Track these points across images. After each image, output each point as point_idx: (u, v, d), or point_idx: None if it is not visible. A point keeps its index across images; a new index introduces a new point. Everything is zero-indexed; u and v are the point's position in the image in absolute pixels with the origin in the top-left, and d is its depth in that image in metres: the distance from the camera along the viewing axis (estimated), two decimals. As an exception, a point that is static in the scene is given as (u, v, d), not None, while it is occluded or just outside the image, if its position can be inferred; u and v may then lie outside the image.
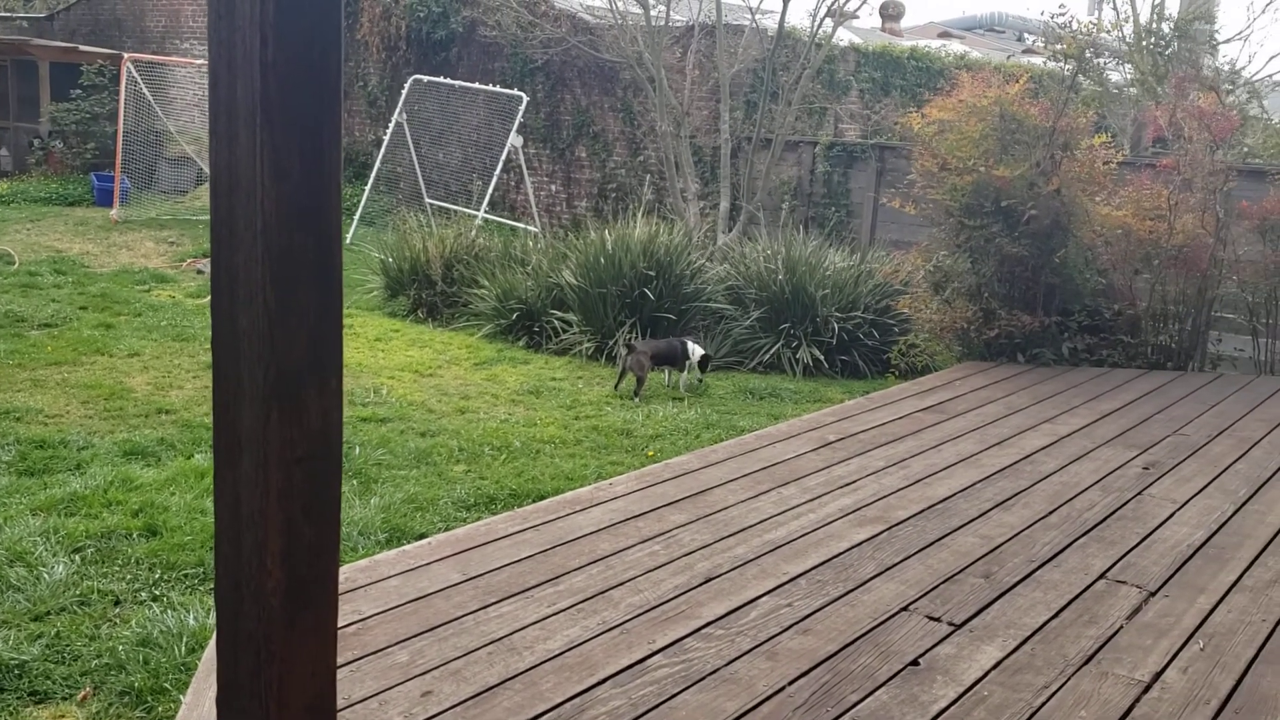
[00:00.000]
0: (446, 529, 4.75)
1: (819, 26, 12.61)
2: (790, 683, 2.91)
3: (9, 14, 22.11)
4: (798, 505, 4.28)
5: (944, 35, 23.96)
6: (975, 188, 8.06)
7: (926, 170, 8.36)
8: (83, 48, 18.15)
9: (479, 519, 5.43)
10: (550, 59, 14.60)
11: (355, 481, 5.73)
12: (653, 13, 12.41)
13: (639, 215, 10.23)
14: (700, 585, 3.49)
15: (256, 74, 1.16)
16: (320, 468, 1.32)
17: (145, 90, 15.30)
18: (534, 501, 5.57)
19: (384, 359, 8.93)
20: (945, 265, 8.29)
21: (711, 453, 4.94)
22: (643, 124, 14.16)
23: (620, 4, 12.59)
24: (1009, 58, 17.36)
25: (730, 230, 12.07)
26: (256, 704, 1.30)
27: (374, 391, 7.78)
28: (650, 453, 6.72)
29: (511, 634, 3.08)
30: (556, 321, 9.71)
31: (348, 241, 14.46)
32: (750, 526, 4.01)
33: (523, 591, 3.37)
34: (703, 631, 3.17)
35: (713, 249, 10.92)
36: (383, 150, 15.02)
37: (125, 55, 15.52)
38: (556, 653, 2.99)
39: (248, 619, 1.30)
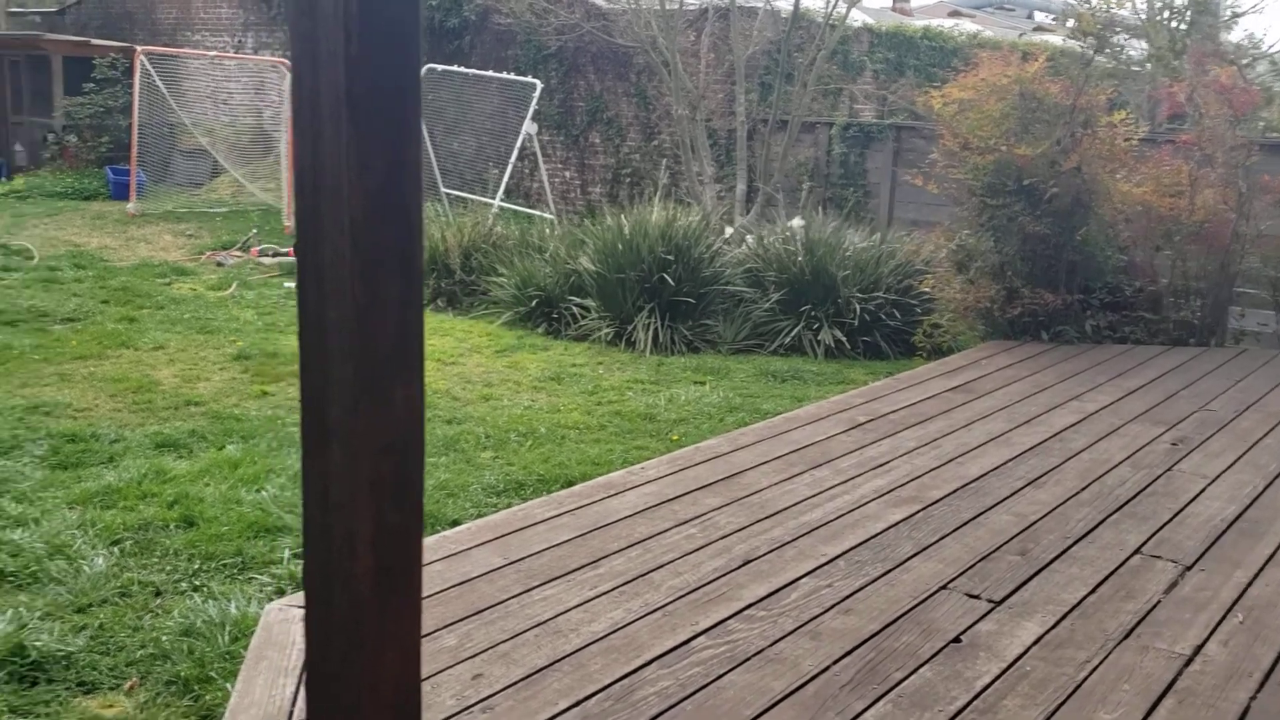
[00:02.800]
0: (479, 515, 4.79)
1: (833, 7, 12.56)
2: (835, 661, 2.93)
3: (20, 9, 22.15)
4: (832, 487, 4.30)
5: (954, 14, 23.83)
6: (997, 167, 8.04)
7: (948, 150, 8.35)
8: (94, 41, 18.18)
9: (509, 504, 5.47)
10: (564, 45, 14.58)
11: (385, 470, 5.76)
12: (666, -4, 12.38)
13: (656, 200, 10.23)
14: (739, 567, 3.52)
15: (341, 70, 1.18)
16: (406, 455, 1.35)
17: (159, 82, 15.34)
18: (563, 487, 5.61)
19: (405, 348, 8.96)
20: (969, 244, 8.28)
21: (741, 436, 4.97)
22: (657, 108, 14.14)
23: (633, -12, 12.56)
24: (1020, 36, 17.28)
25: (748, 212, 12.07)
26: (348, 689, 1.33)
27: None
28: (675, 437, 6.75)
29: (556, 617, 3.11)
30: (575, 308, 9.73)
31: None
32: (785, 509, 4.04)
33: (564, 575, 3.40)
34: (745, 613, 3.19)
35: (730, 232, 10.91)
36: (397, 139, 15.02)
37: (138, 48, 15.55)
38: (601, 635, 3.02)
39: (339, 605, 1.33)
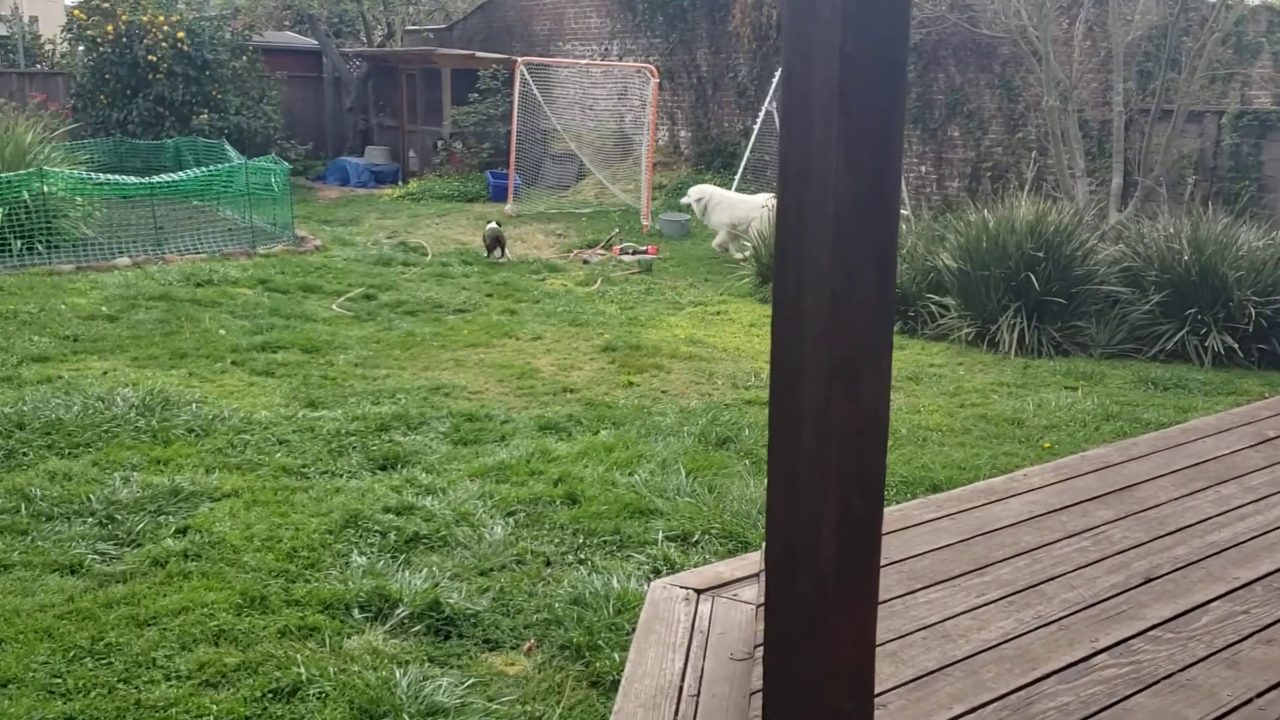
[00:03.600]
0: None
1: (1230, -17, 11.45)
2: (1259, 695, 2.68)
3: (416, 27, 24.52)
4: (1240, 506, 3.93)
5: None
6: None
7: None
8: (479, 54, 19.80)
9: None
10: (924, 38, 14.24)
11: (747, 462, 5.89)
12: (1038, -18, 11.78)
13: (1024, 194, 9.77)
14: (1139, 585, 3.29)
15: (835, 65, 1.21)
16: (871, 443, 1.37)
17: (535, 90, 16.46)
18: (928, 490, 5.49)
19: (759, 344, 9.11)
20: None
21: (1133, 446, 4.64)
22: (1023, 100, 13.51)
23: (1003, -24, 12.06)
24: None
25: (1124, 208, 11.26)
26: (806, 665, 1.37)
27: (754, 375, 7.96)
28: (1046, 444, 6.43)
29: (943, 621, 3.05)
30: (933, 305, 9.50)
31: (717, 229, 14.86)
32: (1188, 526, 3.74)
33: (948, 580, 3.33)
34: (1150, 634, 2.99)
35: (1104, 228, 10.23)
36: (751, 140, 15.29)
37: (518, 59, 16.76)
38: (993, 643, 2.93)
39: (800, 583, 1.37)
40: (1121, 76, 11.52)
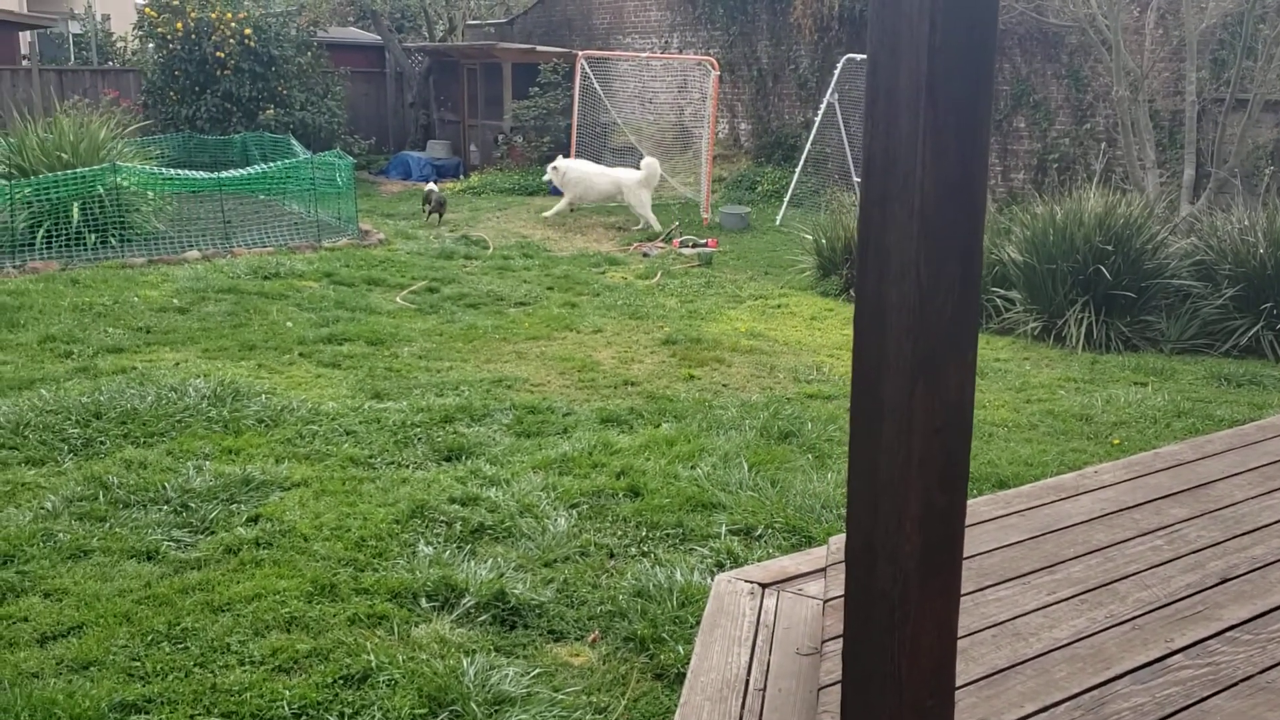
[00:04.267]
0: (911, 508, 4.74)
1: (1309, -32, 11.15)
2: (1343, 700, 2.62)
3: (478, 22, 24.68)
4: (1320, 505, 3.84)
5: None
6: None
7: None
8: (539, 48, 19.89)
9: (937, 500, 5.37)
10: (988, 28, 14.04)
11: (810, 456, 5.87)
12: (1108, -31, 11.56)
13: (1092, 186, 9.61)
14: (1215, 585, 3.23)
15: (923, 58, 1.21)
16: (954, 438, 1.36)
17: (595, 84, 16.49)
18: (995, 486, 5.43)
19: (820, 337, 9.06)
20: None
21: (1207, 443, 4.55)
22: (1091, 90, 13.27)
23: (1071, -37, 11.85)
24: None
25: (1196, 200, 11.02)
26: (886, 660, 1.36)
27: (816, 369, 7.92)
28: (1116, 440, 6.32)
29: (1014, 619, 3.02)
30: (998, 299, 9.38)
31: (777, 223, 14.80)
32: (1266, 526, 3.65)
33: (1018, 577, 3.29)
34: (1227, 635, 2.93)
35: (1176, 221, 10.03)
36: (813, 132, 15.20)
37: (579, 53, 16.80)
38: (1064, 642, 2.89)
39: (881, 578, 1.36)
40: (1195, 65, 11.27)
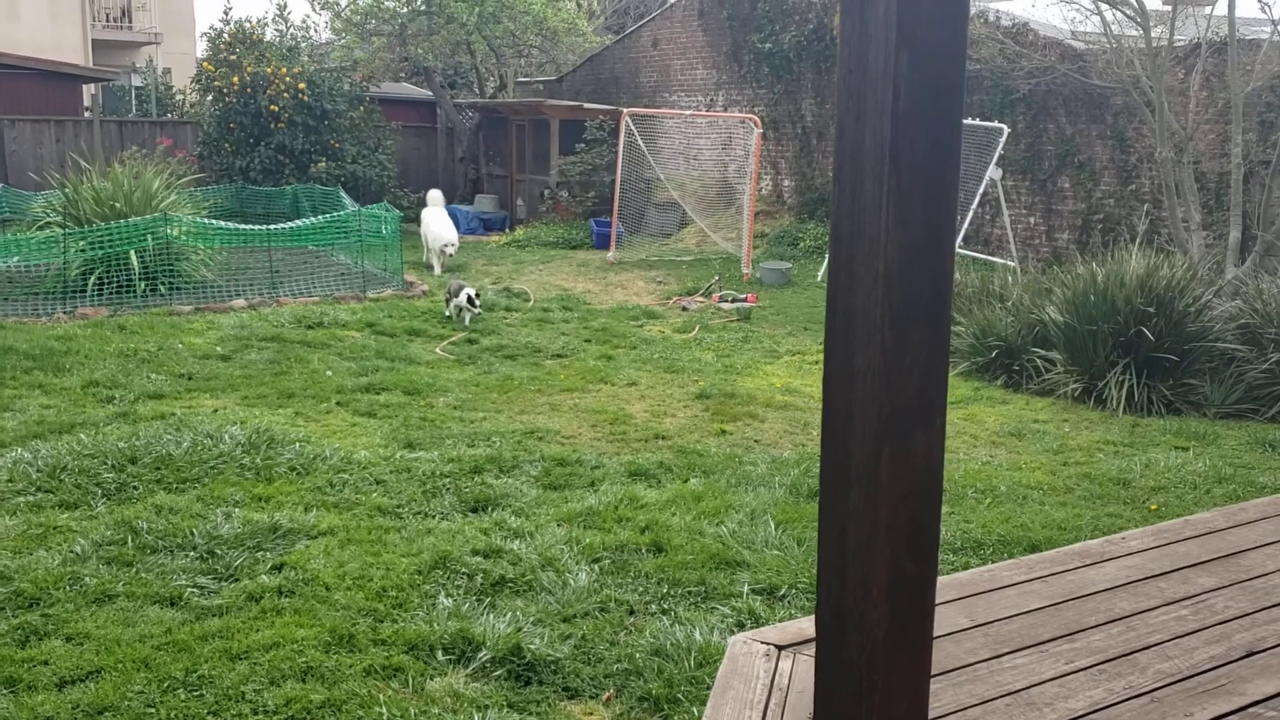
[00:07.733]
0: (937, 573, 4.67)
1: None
2: (1369, 784, 2.52)
3: (527, 79, 25.10)
4: (1356, 578, 3.72)
5: None
6: None
7: None
8: (586, 105, 20.16)
9: (966, 563, 5.29)
10: (1034, 89, 14.04)
11: (839, 515, 5.79)
12: (1153, 33, 11.54)
13: (1135, 247, 9.51)
14: (1241, 659, 3.14)
15: (887, 124, 1.21)
16: (923, 505, 1.34)
17: (639, 140, 16.67)
18: (1025, 550, 5.33)
19: (859, 395, 8.98)
20: None
21: (1240, 511, 4.44)
22: (1135, 151, 13.19)
23: (1115, 27, 11.84)
24: None
25: (1241, 263, 10.87)
26: (854, 730, 1.34)
27: (851, 427, 7.85)
28: (1153, 506, 6.19)
29: (1029, 688, 2.95)
30: (1039, 360, 9.26)
31: (818, 279, 14.78)
32: (1297, 598, 3.55)
33: (1036, 645, 3.22)
34: (1251, 710, 2.84)
35: (1220, 284, 9.89)
36: (855, 188, 15.20)
37: (624, 110, 17.01)
38: (1080, 714, 2.82)
39: (849, 648, 1.34)
40: (1240, 127, 11.17)
